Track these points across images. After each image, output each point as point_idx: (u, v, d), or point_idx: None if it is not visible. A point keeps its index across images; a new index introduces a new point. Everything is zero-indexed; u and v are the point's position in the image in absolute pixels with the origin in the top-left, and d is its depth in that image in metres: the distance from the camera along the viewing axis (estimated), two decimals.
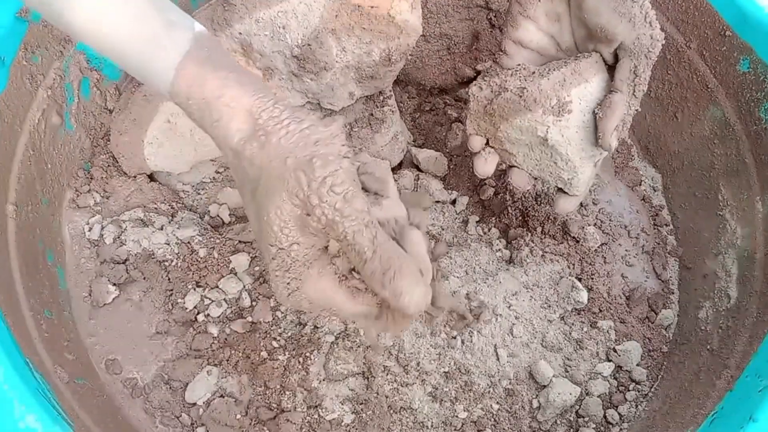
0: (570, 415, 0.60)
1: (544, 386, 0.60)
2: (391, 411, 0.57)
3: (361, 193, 0.39)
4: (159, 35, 0.40)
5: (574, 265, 0.66)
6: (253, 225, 0.42)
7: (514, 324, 0.62)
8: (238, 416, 0.57)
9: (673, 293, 0.69)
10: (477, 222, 0.69)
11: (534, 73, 0.54)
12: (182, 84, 0.40)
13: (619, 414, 0.61)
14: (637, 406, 0.62)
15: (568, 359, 0.62)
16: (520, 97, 0.53)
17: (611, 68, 0.53)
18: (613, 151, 0.54)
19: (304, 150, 0.38)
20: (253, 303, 0.61)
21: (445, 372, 0.59)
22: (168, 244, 0.63)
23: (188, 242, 0.63)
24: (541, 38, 0.55)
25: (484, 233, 0.69)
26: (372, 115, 0.73)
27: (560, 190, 0.58)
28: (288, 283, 0.41)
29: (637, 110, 0.53)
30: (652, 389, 0.63)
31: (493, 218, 0.70)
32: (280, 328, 0.60)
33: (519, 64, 0.55)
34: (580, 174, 0.55)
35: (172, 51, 0.40)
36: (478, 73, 0.81)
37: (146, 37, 0.40)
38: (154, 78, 0.41)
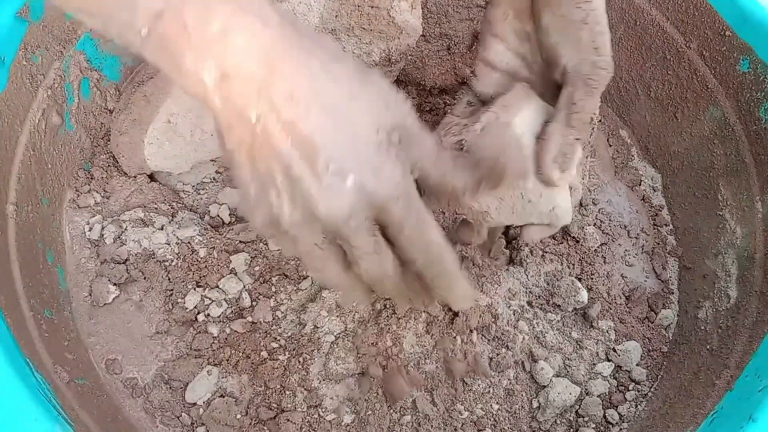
0: (570, 415, 0.60)
1: (544, 386, 0.60)
2: (391, 411, 0.57)
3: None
4: None
5: (573, 265, 0.66)
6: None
7: (513, 324, 0.62)
8: (238, 416, 0.57)
9: (672, 293, 0.69)
10: None
11: (466, 124, 0.51)
12: None
13: (618, 414, 0.61)
14: (636, 405, 0.62)
15: (568, 359, 0.62)
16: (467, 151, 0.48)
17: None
18: (557, 183, 0.50)
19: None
20: (253, 303, 0.61)
21: (444, 372, 0.59)
22: (168, 244, 0.63)
23: (188, 242, 0.63)
24: (511, 59, 0.53)
25: None
26: None
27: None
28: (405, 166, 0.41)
29: (588, 143, 0.48)
30: (652, 389, 0.63)
31: None
32: (280, 328, 0.60)
33: (450, 119, 0.52)
34: (560, 201, 0.52)
35: None
36: None
37: None
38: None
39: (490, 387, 0.59)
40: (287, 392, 0.58)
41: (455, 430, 0.58)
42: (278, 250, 0.64)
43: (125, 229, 0.63)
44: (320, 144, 0.37)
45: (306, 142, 0.37)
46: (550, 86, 0.52)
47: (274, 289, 0.62)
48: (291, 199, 0.38)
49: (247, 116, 0.36)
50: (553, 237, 0.67)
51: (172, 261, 0.63)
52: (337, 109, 0.38)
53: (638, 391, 0.62)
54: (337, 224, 0.40)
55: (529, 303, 0.64)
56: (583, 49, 0.48)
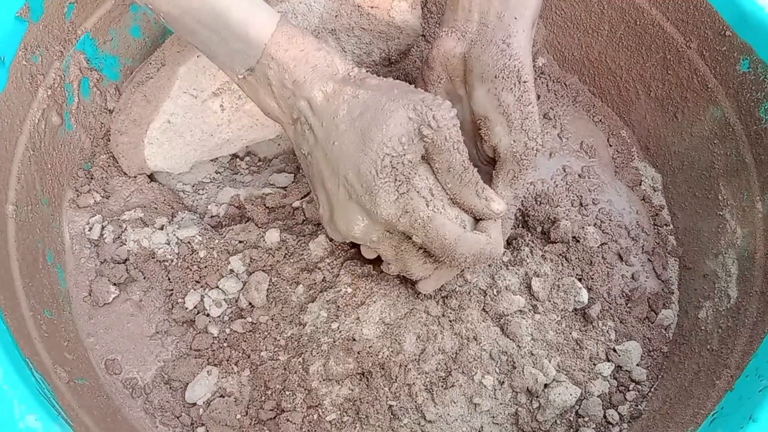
0: (570, 415, 0.60)
1: (545, 386, 0.60)
2: (391, 411, 0.57)
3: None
4: (256, 3, 0.48)
5: (574, 265, 0.66)
6: (350, 145, 0.47)
7: (513, 323, 0.61)
8: (238, 416, 0.57)
9: (673, 293, 0.69)
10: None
11: None
12: (283, 37, 0.47)
13: (618, 414, 0.61)
14: (636, 406, 0.62)
15: (568, 359, 0.62)
16: None
17: (493, 162, 0.55)
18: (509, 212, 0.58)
19: (401, 86, 0.48)
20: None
21: (444, 372, 0.59)
22: (168, 244, 0.63)
23: (188, 242, 0.63)
24: None
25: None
26: None
27: None
28: (399, 187, 0.48)
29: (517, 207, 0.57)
30: (652, 389, 0.63)
31: None
32: (280, 328, 0.60)
33: None
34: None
35: (268, 14, 0.48)
36: None
37: (244, 4, 0.47)
38: (252, 33, 0.47)
39: (490, 387, 0.59)
40: (287, 392, 0.58)
41: (454, 430, 0.58)
42: (278, 250, 0.64)
43: (125, 229, 0.63)
44: (340, 167, 0.48)
45: (333, 166, 0.49)
46: (476, 146, 0.57)
47: (274, 289, 0.62)
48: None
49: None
50: (549, 238, 0.67)
51: (172, 261, 0.63)
52: (363, 131, 0.47)
53: (638, 392, 0.62)
54: (359, 240, 0.52)
55: (529, 303, 0.64)
56: (514, 131, 0.51)
